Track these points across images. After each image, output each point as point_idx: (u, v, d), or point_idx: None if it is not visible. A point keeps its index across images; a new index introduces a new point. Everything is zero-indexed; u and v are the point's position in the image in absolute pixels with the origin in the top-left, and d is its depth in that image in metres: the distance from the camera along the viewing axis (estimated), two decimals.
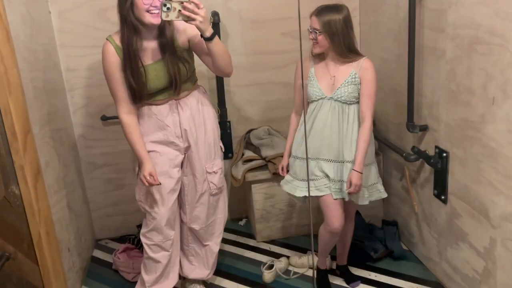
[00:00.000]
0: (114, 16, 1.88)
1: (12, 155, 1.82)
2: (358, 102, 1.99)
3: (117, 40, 1.88)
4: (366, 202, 2.06)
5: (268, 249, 2.69)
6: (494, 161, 1.71)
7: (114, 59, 1.88)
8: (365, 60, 1.97)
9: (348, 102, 1.98)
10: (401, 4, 2.24)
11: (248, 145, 2.80)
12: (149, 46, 1.89)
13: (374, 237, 2.48)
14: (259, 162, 2.66)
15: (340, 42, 1.94)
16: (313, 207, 2.70)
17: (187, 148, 2.07)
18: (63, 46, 2.50)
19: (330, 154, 2.03)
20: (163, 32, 1.89)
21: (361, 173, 1.94)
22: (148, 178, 1.93)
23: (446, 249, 2.14)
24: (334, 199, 2.04)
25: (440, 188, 2.10)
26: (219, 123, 2.78)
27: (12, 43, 1.82)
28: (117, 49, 1.87)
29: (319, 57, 2.07)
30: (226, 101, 2.78)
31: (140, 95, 1.92)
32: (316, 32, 1.94)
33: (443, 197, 2.09)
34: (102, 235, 2.88)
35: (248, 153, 2.72)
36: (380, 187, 2.12)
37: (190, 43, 1.96)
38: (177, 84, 1.94)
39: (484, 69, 1.71)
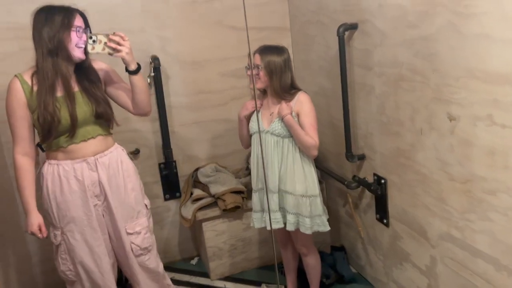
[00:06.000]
0: None
1: None
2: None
3: (26, 76, 1.83)
4: (308, 232, 2.15)
5: (223, 286, 2.70)
6: (427, 186, 1.87)
7: (19, 95, 1.81)
8: (300, 94, 2.10)
9: (282, 136, 2.10)
10: (331, 44, 2.41)
11: (196, 183, 2.83)
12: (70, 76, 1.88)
13: (324, 264, 2.57)
14: (208, 200, 2.69)
15: (278, 82, 2.06)
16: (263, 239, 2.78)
17: (108, 210, 1.98)
18: None
19: (269, 185, 2.16)
20: (82, 65, 1.90)
21: (286, 114, 2.05)
22: (36, 232, 1.90)
23: (392, 270, 2.28)
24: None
25: (382, 213, 2.25)
26: (165, 163, 2.83)
27: None
28: (24, 85, 1.82)
29: (263, 94, 2.19)
30: (171, 141, 2.80)
31: (54, 129, 1.83)
32: (259, 68, 2.05)
33: (385, 221, 2.24)
34: None
35: (197, 192, 2.74)
36: (324, 219, 2.18)
37: (106, 86, 1.99)
38: (100, 112, 1.90)
39: (410, 104, 1.88)
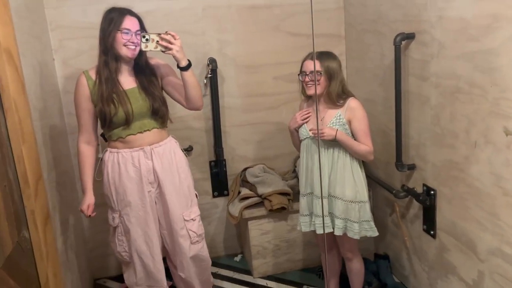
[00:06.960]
0: None
1: (23, 200, 1.89)
2: None
3: (91, 73, 2.04)
4: (356, 237, 2.18)
5: (265, 284, 2.76)
6: (479, 199, 1.86)
7: (84, 90, 2.03)
8: (351, 101, 2.12)
9: (333, 142, 2.12)
10: (386, 52, 2.43)
11: (244, 182, 2.91)
12: (127, 74, 2.05)
13: (367, 271, 2.58)
14: (255, 200, 2.77)
15: (335, 86, 2.09)
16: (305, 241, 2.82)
17: (161, 197, 2.13)
18: (66, 92, 2.60)
19: (316, 190, 2.18)
20: (139, 63, 2.06)
21: (335, 134, 2.06)
22: (85, 210, 2.09)
23: (437, 282, 2.27)
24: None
25: (429, 224, 2.24)
26: (215, 161, 2.93)
27: (26, 95, 1.91)
28: (89, 81, 2.02)
29: (309, 100, 2.24)
30: (222, 140, 2.90)
31: (110, 121, 2.00)
32: (320, 73, 2.08)
33: (432, 232, 2.23)
34: (100, 275, 2.91)
35: (245, 191, 2.83)
36: (372, 224, 2.20)
37: (162, 81, 2.13)
38: (156, 108, 2.05)
39: (466, 116, 1.88)
